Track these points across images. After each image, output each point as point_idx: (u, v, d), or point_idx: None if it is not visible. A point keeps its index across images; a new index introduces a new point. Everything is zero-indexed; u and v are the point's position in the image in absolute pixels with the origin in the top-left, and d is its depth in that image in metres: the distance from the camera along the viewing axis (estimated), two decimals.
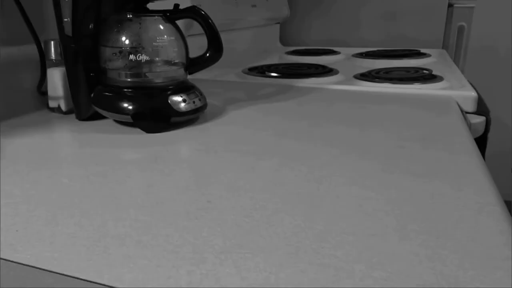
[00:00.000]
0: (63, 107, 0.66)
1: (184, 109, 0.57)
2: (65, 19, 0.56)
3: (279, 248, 0.30)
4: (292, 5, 1.66)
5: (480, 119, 0.73)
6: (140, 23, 0.57)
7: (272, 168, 0.44)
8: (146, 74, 0.57)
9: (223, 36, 0.62)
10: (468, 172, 0.42)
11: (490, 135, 0.76)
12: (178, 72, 0.60)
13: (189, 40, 0.63)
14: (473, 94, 0.73)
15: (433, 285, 0.26)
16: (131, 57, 0.56)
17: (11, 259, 0.29)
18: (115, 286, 0.26)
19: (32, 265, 0.29)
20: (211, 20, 0.59)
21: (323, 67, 1.01)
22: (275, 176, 0.42)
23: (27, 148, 0.52)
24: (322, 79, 0.91)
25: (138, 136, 0.55)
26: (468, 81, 0.86)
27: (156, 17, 0.58)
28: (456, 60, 1.63)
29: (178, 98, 0.57)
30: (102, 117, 0.61)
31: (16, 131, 0.58)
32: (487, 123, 0.74)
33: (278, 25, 1.59)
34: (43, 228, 0.33)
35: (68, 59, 0.59)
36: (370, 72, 0.94)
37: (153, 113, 0.58)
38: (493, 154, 1.60)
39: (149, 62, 0.57)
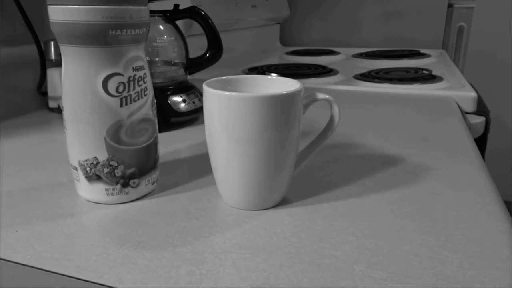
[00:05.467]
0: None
1: (184, 109, 0.58)
2: None
3: (279, 248, 0.30)
4: (292, 5, 1.66)
5: (480, 119, 0.73)
6: None
7: None
8: None
9: (223, 36, 0.62)
10: (468, 172, 0.43)
11: (490, 135, 0.76)
12: (178, 72, 0.60)
13: (189, 40, 0.63)
14: (473, 94, 0.73)
15: (433, 285, 0.26)
16: None
17: (11, 259, 0.29)
18: (115, 286, 0.26)
19: (32, 265, 0.29)
20: (211, 20, 0.59)
21: (323, 67, 1.01)
22: None
23: (27, 148, 0.52)
24: (322, 80, 0.91)
25: None
26: (468, 81, 0.86)
27: (156, 17, 0.58)
28: (455, 61, 1.63)
29: (178, 99, 0.57)
30: None
31: (16, 131, 0.58)
32: (487, 123, 0.74)
33: (278, 25, 1.59)
34: (43, 228, 0.33)
35: None
36: (369, 72, 0.94)
37: None
38: (493, 154, 1.61)
39: (149, 63, 0.57)
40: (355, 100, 0.74)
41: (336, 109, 0.37)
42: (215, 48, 0.60)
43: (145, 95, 0.36)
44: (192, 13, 0.59)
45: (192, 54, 0.62)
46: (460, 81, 0.85)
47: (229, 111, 0.32)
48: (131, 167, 0.36)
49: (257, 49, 1.39)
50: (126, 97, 0.34)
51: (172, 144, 0.52)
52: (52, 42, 0.66)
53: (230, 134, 0.33)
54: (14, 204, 0.37)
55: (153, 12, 0.60)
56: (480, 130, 0.73)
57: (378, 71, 0.95)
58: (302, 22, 1.68)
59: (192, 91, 0.60)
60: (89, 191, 0.37)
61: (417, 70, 0.95)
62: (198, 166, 0.45)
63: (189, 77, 0.63)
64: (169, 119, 0.57)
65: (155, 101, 0.38)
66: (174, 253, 0.30)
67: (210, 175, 0.42)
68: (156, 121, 0.38)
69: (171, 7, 0.59)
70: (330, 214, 0.35)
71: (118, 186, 0.36)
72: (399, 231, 0.32)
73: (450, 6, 1.56)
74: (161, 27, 0.58)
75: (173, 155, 0.49)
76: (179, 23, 0.61)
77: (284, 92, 0.32)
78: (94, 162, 0.35)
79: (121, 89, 0.34)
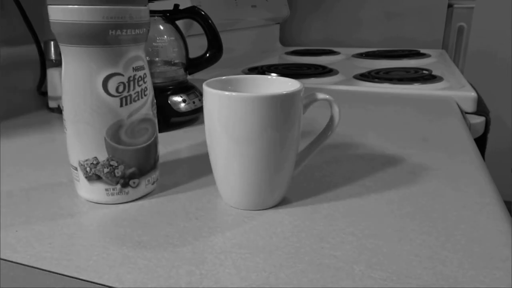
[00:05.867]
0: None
1: (184, 109, 0.58)
2: None
3: (279, 248, 0.30)
4: (292, 5, 1.66)
5: (480, 119, 0.73)
6: None
7: None
8: None
9: (223, 36, 0.62)
10: (468, 173, 0.43)
11: (490, 135, 0.76)
12: (178, 72, 0.60)
13: (189, 40, 0.63)
14: (473, 94, 0.73)
15: (433, 285, 0.26)
16: None
17: (11, 259, 0.29)
18: (115, 286, 0.26)
19: (32, 265, 0.29)
20: (211, 20, 0.59)
21: (323, 67, 1.01)
22: None
23: (27, 148, 0.52)
24: (322, 80, 0.91)
25: None
26: (468, 81, 0.86)
27: (156, 17, 0.58)
28: (455, 61, 1.63)
29: (178, 99, 0.57)
30: None
31: (16, 131, 0.58)
32: (487, 123, 0.74)
33: (278, 25, 1.59)
34: (43, 228, 0.33)
35: None
36: (369, 72, 0.94)
37: None
38: (493, 154, 1.61)
39: (149, 63, 0.57)
40: (355, 100, 0.74)
41: (336, 109, 0.37)
42: (215, 48, 0.60)
43: (145, 95, 0.36)
44: (192, 13, 0.59)
45: (192, 54, 0.62)
46: (460, 81, 0.85)
47: (229, 111, 0.32)
48: (131, 167, 0.36)
49: (257, 49, 1.39)
50: (126, 97, 0.34)
51: (172, 144, 0.52)
52: (52, 42, 0.66)
53: (230, 134, 0.33)
54: (14, 204, 0.37)
55: (153, 12, 0.60)
56: (480, 130, 0.73)
57: (378, 71, 0.95)
58: (302, 22, 1.68)
59: (192, 91, 0.60)
60: (89, 191, 0.37)
61: (417, 70, 0.95)
62: (198, 166, 0.45)
63: (189, 77, 0.63)
64: (169, 119, 0.57)
65: (155, 101, 0.38)
66: (174, 253, 0.30)
67: (210, 175, 0.42)
68: (156, 121, 0.38)
69: (171, 7, 0.59)
70: (330, 214, 0.35)
71: (118, 186, 0.36)
72: (399, 231, 0.32)
73: (450, 6, 1.56)
74: (161, 27, 0.58)
75: (173, 155, 0.49)
76: (179, 23, 0.61)
77: (284, 92, 0.32)
78: (94, 162, 0.35)
79: (121, 89, 0.34)
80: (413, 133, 0.56)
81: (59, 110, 0.66)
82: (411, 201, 0.37)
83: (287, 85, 0.36)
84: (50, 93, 0.66)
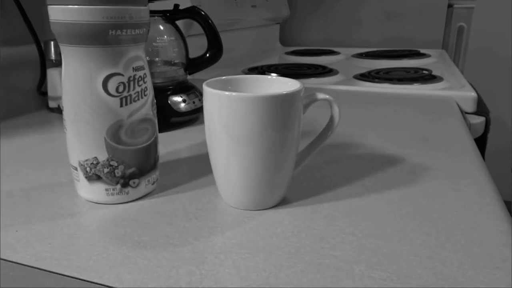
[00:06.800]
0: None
1: (184, 109, 0.58)
2: None
3: (279, 248, 0.30)
4: (292, 5, 1.66)
5: (480, 119, 0.73)
6: None
7: None
8: None
9: (223, 36, 0.62)
10: (468, 173, 0.43)
11: (490, 135, 0.76)
12: (178, 72, 0.60)
13: (189, 40, 0.63)
14: (473, 94, 0.73)
15: (433, 285, 0.26)
16: None
17: (11, 259, 0.29)
18: (115, 286, 0.26)
19: (32, 265, 0.29)
20: (211, 20, 0.59)
21: (323, 67, 1.01)
22: None
23: (27, 148, 0.52)
24: (322, 80, 0.91)
25: None
26: (468, 81, 0.86)
27: (156, 17, 0.58)
28: (455, 61, 1.63)
29: (178, 99, 0.57)
30: None
31: (16, 131, 0.58)
32: (487, 123, 0.74)
33: (278, 25, 1.59)
34: (43, 228, 0.33)
35: None
36: (369, 72, 0.94)
37: None
38: (493, 154, 1.61)
39: (149, 63, 0.57)
40: (355, 100, 0.74)
41: (336, 109, 0.37)
42: (215, 48, 0.60)
43: (145, 95, 0.36)
44: (192, 13, 0.59)
45: (192, 54, 0.62)
46: (460, 81, 0.85)
47: (229, 111, 0.32)
48: (131, 167, 0.36)
49: (257, 49, 1.39)
50: (126, 97, 0.34)
51: (172, 144, 0.52)
52: (52, 42, 0.66)
53: (230, 134, 0.33)
54: (14, 204, 0.37)
55: (153, 12, 0.60)
56: (480, 130, 0.73)
57: (378, 71, 0.95)
58: (302, 22, 1.68)
59: (192, 91, 0.60)
60: (89, 191, 0.37)
61: (417, 70, 0.95)
62: (198, 166, 0.45)
63: (189, 77, 0.63)
64: (169, 119, 0.57)
65: (155, 101, 0.38)
66: (174, 253, 0.30)
67: (210, 175, 0.42)
68: (156, 121, 0.38)
69: (171, 7, 0.59)
70: (330, 214, 0.35)
71: (118, 186, 0.36)
72: (399, 231, 0.32)
73: (450, 6, 1.56)
74: (161, 27, 0.58)
75: (173, 155, 0.49)
76: (179, 23, 0.61)
77: (284, 92, 0.32)
78: (94, 162, 0.35)
79: (121, 89, 0.34)
80: (413, 133, 0.56)
81: (59, 110, 0.66)
82: (411, 201, 0.37)
83: (287, 85, 0.36)
84: (50, 93, 0.66)
